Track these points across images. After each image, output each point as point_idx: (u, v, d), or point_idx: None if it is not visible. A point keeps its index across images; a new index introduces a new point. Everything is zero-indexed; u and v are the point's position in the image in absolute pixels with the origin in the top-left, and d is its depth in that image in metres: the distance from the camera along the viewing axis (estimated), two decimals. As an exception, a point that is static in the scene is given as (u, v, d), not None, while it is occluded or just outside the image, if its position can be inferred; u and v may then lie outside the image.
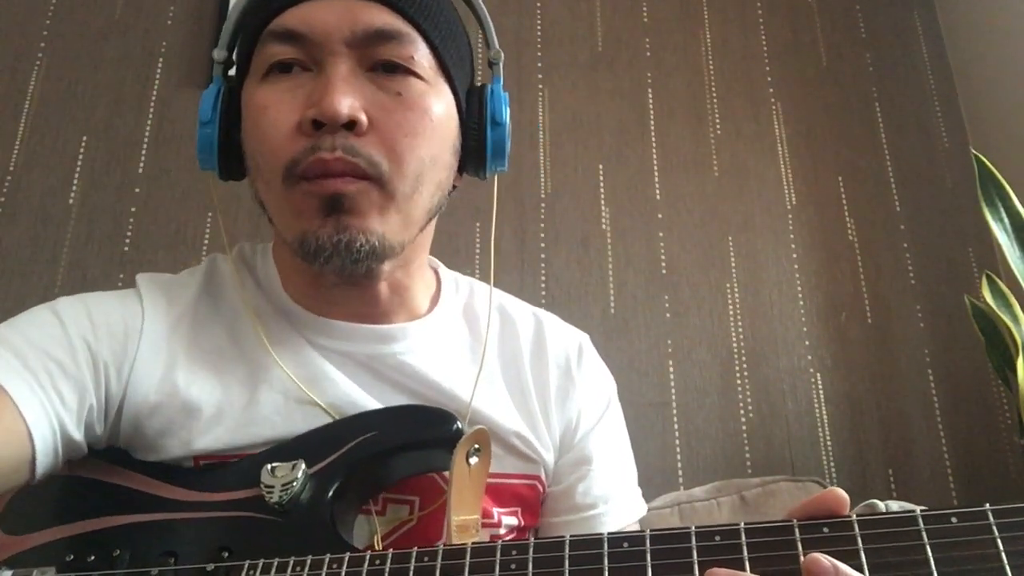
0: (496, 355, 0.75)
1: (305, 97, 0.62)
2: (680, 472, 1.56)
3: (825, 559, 0.43)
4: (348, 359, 0.69)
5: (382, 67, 0.64)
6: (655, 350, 1.65)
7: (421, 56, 0.65)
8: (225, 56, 0.71)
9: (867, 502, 1.21)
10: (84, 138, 1.65)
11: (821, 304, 1.74)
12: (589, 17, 1.91)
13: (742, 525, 0.47)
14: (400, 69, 0.64)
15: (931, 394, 1.70)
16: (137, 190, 1.63)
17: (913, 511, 0.46)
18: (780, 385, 1.67)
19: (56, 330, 0.63)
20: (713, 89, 1.89)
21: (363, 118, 0.61)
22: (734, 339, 1.69)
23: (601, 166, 1.78)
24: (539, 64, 1.83)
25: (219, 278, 0.74)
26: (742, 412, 1.64)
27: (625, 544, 0.48)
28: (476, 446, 0.63)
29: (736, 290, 1.73)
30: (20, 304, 1.63)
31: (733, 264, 1.75)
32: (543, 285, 1.62)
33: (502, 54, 0.72)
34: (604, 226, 1.74)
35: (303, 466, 0.59)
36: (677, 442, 1.59)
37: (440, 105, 0.66)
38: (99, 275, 1.56)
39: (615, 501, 0.75)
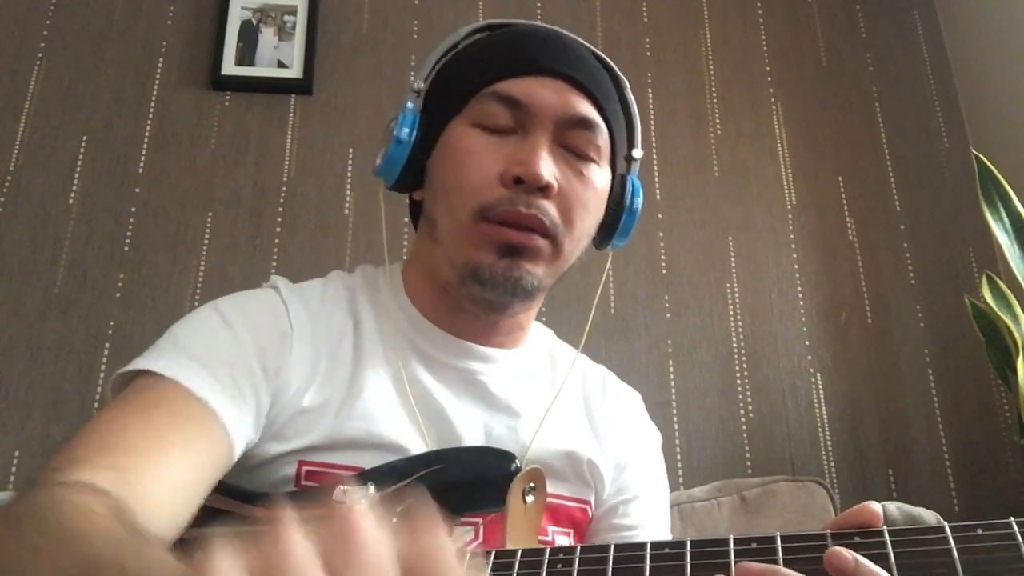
0: (580, 397, 0.86)
1: (509, 153, 0.72)
2: (680, 472, 1.56)
3: (847, 552, 0.46)
4: (451, 371, 0.77)
5: (572, 149, 0.75)
6: (655, 350, 1.65)
7: (603, 144, 0.77)
8: (423, 88, 0.79)
9: (866, 503, 1.21)
10: (84, 138, 1.65)
11: (821, 304, 1.74)
12: (589, 17, 1.91)
13: (778, 534, 0.50)
14: (586, 155, 0.75)
15: (931, 394, 1.70)
16: (137, 190, 1.63)
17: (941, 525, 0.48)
18: (780, 385, 1.67)
19: (230, 339, 0.69)
20: (713, 89, 1.89)
21: (556, 185, 0.72)
22: (734, 339, 1.69)
23: (601, 166, 1.78)
24: (539, 64, 1.83)
25: (342, 288, 0.81)
26: (742, 412, 1.64)
27: (666, 548, 0.51)
28: (532, 484, 0.70)
29: (736, 290, 1.73)
30: (20, 304, 1.64)
31: (733, 264, 1.75)
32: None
33: (642, 154, 0.85)
34: (604, 226, 1.74)
35: (372, 489, 0.65)
36: (677, 442, 1.59)
37: (605, 187, 0.78)
38: (99, 275, 1.56)
39: (651, 529, 0.82)
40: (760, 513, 1.35)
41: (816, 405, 1.66)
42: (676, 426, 1.60)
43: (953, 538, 0.46)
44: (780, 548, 0.49)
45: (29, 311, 1.52)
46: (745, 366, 1.67)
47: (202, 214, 1.62)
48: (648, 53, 1.90)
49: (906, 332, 1.74)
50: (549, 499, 0.75)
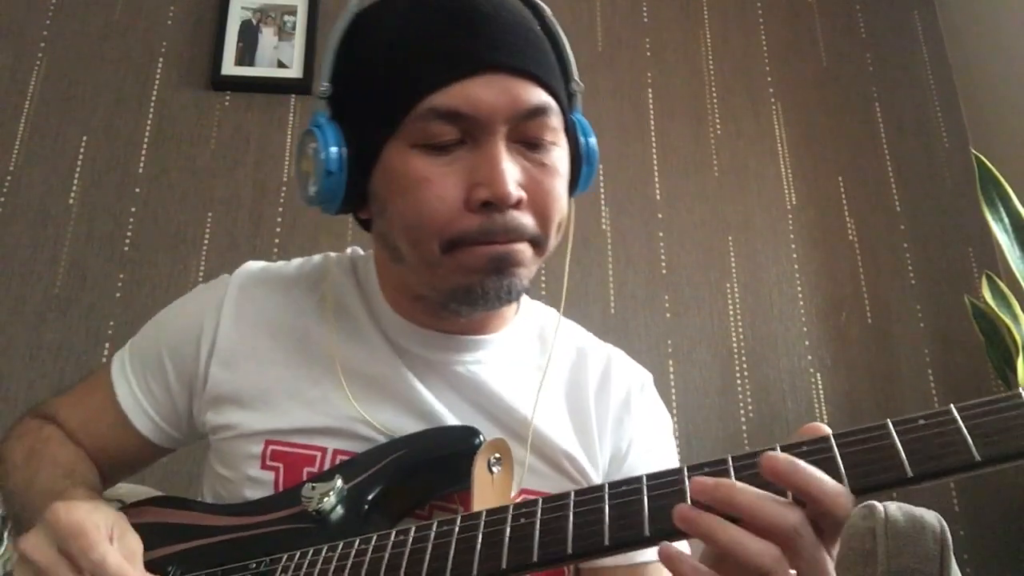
0: (564, 381, 0.79)
1: (466, 172, 0.64)
2: (680, 472, 1.56)
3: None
4: (426, 365, 0.74)
5: (528, 141, 0.67)
6: (655, 350, 1.65)
7: (557, 123, 0.68)
8: (331, 92, 0.70)
9: (866, 503, 1.21)
10: (84, 138, 1.65)
11: (821, 304, 1.74)
12: (589, 17, 1.91)
13: (729, 456, 0.50)
14: (543, 142, 0.67)
15: (931, 394, 1.70)
16: (137, 190, 1.63)
17: (885, 424, 0.47)
18: (780, 385, 1.67)
19: (153, 344, 0.80)
20: (713, 89, 1.89)
21: (525, 196, 0.65)
22: (734, 339, 1.69)
23: (601, 166, 1.77)
24: (539, 64, 1.83)
25: (321, 273, 0.80)
26: (742, 412, 1.64)
27: (623, 487, 0.52)
28: (497, 455, 0.67)
29: (736, 290, 1.73)
30: (21, 304, 1.64)
31: (733, 264, 1.75)
32: (543, 285, 1.62)
33: (582, 86, 0.75)
34: (604, 226, 1.74)
35: (340, 481, 0.65)
36: (677, 442, 1.59)
37: (566, 159, 0.70)
38: (99, 275, 1.56)
39: None
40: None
41: (816, 405, 1.66)
42: (676, 426, 1.60)
43: (896, 432, 0.46)
44: (732, 469, 0.49)
45: (29, 311, 1.52)
46: (745, 366, 1.67)
47: (202, 214, 1.62)
48: (648, 53, 1.90)
49: (906, 332, 1.74)
50: (533, 496, 0.72)
